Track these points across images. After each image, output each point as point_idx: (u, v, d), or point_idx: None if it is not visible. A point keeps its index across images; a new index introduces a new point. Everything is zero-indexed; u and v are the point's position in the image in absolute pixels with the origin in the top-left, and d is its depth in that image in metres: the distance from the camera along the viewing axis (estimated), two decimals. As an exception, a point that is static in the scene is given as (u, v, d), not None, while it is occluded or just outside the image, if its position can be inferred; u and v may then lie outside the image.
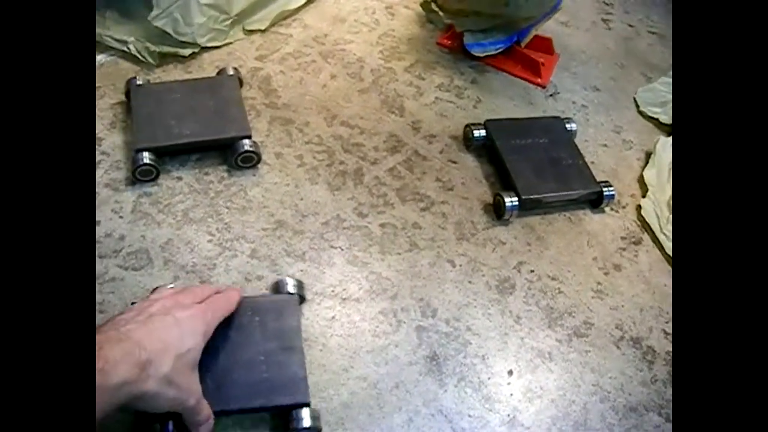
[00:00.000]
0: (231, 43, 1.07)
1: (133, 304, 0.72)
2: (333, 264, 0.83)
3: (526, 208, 0.90)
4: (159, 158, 0.85)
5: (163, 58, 1.01)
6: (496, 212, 0.91)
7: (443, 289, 0.83)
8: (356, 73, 1.07)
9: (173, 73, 1.00)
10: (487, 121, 0.98)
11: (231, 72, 0.96)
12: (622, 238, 0.94)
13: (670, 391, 0.79)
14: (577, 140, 1.01)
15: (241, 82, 0.97)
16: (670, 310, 0.87)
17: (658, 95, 1.16)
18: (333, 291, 0.80)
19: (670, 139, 1.06)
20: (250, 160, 0.88)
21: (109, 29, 1.02)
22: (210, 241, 0.82)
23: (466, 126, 0.98)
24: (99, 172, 0.86)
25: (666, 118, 1.10)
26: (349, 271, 0.82)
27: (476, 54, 1.10)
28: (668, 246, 0.93)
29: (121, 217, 0.82)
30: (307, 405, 0.68)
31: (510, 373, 0.78)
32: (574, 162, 0.95)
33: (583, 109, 1.11)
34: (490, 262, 0.87)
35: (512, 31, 1.09)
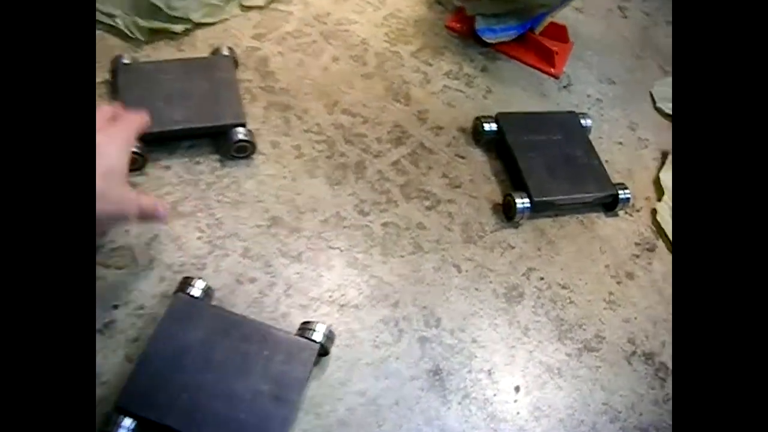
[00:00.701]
0: (227, 19, 0.99)
1: (115, 307, 0.67)
2: (331, 266, 0.77)
3: (538, 210, 0.85)
4: (146, 146, 0.78)
5: (153, 35, 0.93)
6: (506, 213, 0.86)
7: (448, 297, 0.78)
8: (360, 56, 1.00)
9: (163, 51, 0.92)
10: (499, 114, 0.92)
11: (226, 52, 0.89)
12: (636, 244, 0.89)
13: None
14: (591, 137, 0.95)
15: (236, 64, 0.90)
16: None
17: (675, 90, 1.10)
18: (331, 296, 0.75)
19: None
20: (245, 150, 0.82)
21: (96, 1, 0.94)
22: (200, 238, 0.76)
23: (476, 119, 0.92)
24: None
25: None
26: (349, 274, 0.77)
27: (487, 40, 1.04)
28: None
29: (103, 209, 0.76)
30: None
31: (517, 389, 0.73)
32: (589, 161, 0.90)
33: (598, 102, 1.05)
34: (498, 267, 0.82)
35: (527, 18, 1.03)
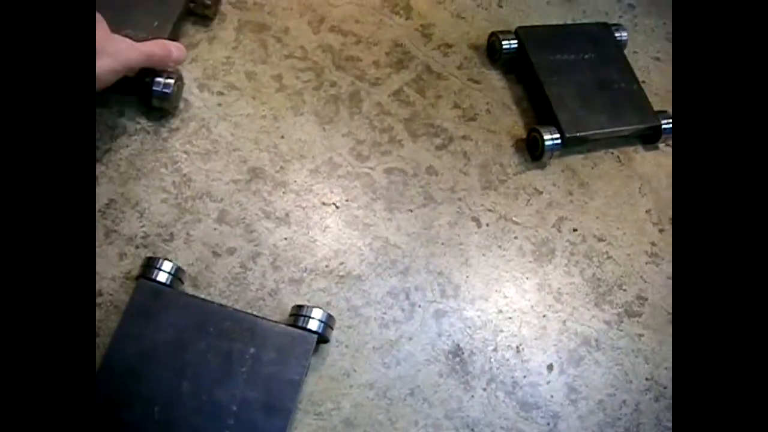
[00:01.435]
0: None
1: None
2: (326, 228, 0.64)
3: (569, 146, 0.71)
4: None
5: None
6: (531, 151, 0.73)
7: (467, 259, 0.65)
8: (349, -43, 0.83)
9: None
10: (519, 28, 0.77)
11: None
12: (680, 182, 0.77)
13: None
14: (625, 52, 0.80)
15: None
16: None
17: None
18: (327, 266, 0.62)
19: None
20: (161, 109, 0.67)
21: None
22: (165, 200, 0.62)
23: (492, 35, 0.77)
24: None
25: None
26: (348, 237, 0.64)
27: (500, -66, 0.87)
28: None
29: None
30: None
31: (550, 368, 0.63)
32: (627, 86, 0.76)
33: (630, 9, 0.89)
34: (524, 218, 0.69)
35: None
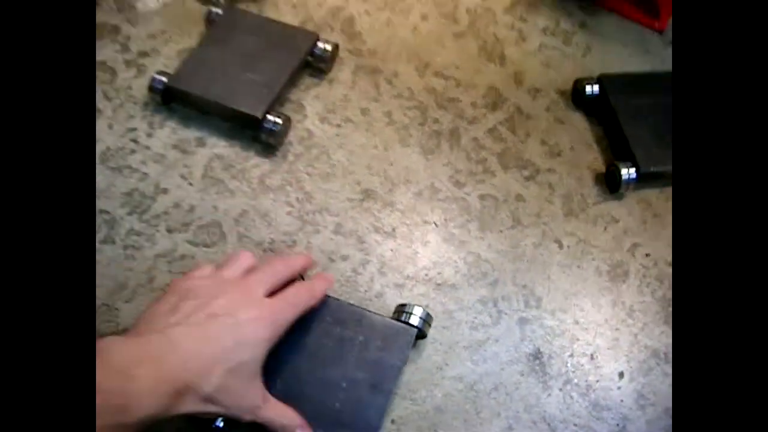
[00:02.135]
0: (310, -24, 0.95)
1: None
2: (427, 242, 0.74)
3: (644, 181, 0.79)
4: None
5: (236, -3, 0.90)
6: (609, 184, 0.81)
7: (549, 275, 0.74)
8: (450, 13, 0.94)
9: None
10: (602, 75, 0.85)
11: (328, 46, 0.83)
12: (750, 217, 0.83)
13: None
14: (701, 98, 0.88)
15: (334, 54, 0.85)
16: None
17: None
18: (427, 275, 0.72)
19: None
20: (269, 145, 0.78)
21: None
22: (289, 213, 0.73)
23: (577, 81, 0.86)
24: (165, 132, 0.78)
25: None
26: (445, 251, 0.73)
27: (587, -8, 0.96)
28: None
29: (190, 184, 0.74)
30: None
31: (621, 375, 0.69)
32: (700, 127, 0.83)
33: (707, 59, 0.97)
34: (602, 243, 0.77)
35: (630, -34, 0.95)
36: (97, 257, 0.68)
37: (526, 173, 0.80)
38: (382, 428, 0.61)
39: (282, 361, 0.60)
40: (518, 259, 0.74)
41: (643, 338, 0.72)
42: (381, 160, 0.78)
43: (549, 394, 0.67)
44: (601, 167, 0.82)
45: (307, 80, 0.84)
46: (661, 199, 0.81)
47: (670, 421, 0.67)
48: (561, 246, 0.76)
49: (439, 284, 0.71)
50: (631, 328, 0.72)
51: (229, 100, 0.75)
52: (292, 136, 0.78)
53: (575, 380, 0.68)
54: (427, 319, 0.65)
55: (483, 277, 0.72)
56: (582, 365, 0.69)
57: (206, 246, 0.70)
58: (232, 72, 0.77)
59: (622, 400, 0.68)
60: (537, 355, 0.69)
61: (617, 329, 0.72)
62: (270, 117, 0.75)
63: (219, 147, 0.77)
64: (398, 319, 0.65)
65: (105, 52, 0.84)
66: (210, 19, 0.83)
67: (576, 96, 0.87)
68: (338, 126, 0.80)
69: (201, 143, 0.77)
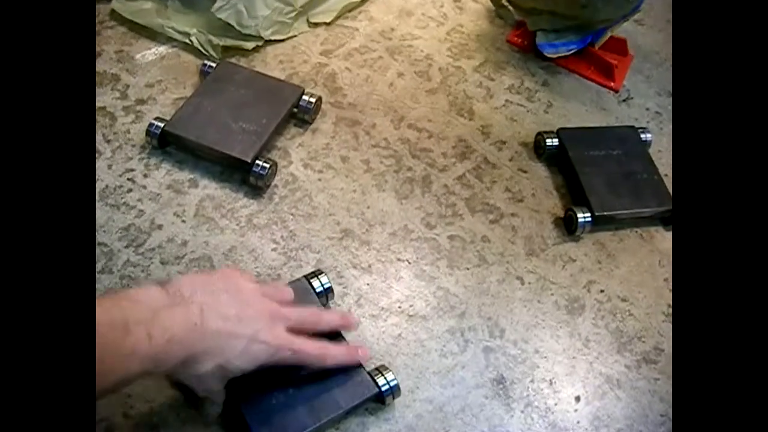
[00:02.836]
0: (295, 36, 1.04)
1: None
2: (400, 278, 0.81)
3: (599, 224, 0.87)
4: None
5: (226, 52, 0.99)
6: (567, 227, 0.89)
7: (512, 308, 0.81)
8: (424, 71, 1.04)
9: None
10: (560, 129, 0.94)
11: (312, 99, 0.92)
12: (695, 258, 0.91)
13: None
14: (650, 150, 0.97)
15: (318, 106, 0.94)
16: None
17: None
18: (400, 307, 0.78)
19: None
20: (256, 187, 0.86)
21: (171, 20, 1.00)
22: (275, 249, 0.80)
23: (538, 134, 0.95)
24: (161, 173, 0.85)
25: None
26: (417, 285, 0.80)
27: (548, 55, 1.06)
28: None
29: (183, 221, 0.81)
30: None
31: (577, 399, 0.76)
32: (649, 176, 0.92)
33: (657, 116, 1.06)
34: (560, 280, 0.84)
35: (587, 32, 1.05)
36: (96, 286, 0.75)
37: (491, 217, 0.88)
38: None
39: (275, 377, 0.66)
40: (484, 293, 0.81)
41: (598, 366, 0.78)
42: (359, 203, 0.86)
43: (512, 416, 0.73)
44: (560, 212, 0.90)
45: (293, 129, 0.92)
46: (614, 241, 0.89)
47: (622, 442, 0.74)
48: (523, 282, 0.83)
49: (411, 315, 0.78)
50: (587, 357, 0.79)
51: (221, 146, 0.83)
52: (278, 179, 0.86)
53: (535, 403, 0.74)
54: (393, 390, 0.69)
55: (451, 310, 0.79)
56: (542, 390, 0.75)
57: (198, 278, 0.76)
58: (223, 120, 0.85)
59: (578, 422, 0.74)
60: (500, 380, 0.75)
61: (574, 357, 0.78)
62: (259, 162, 0.82)
63: (210, 188, 0.84)
64: (372, 376, 0.69)
65: (105, 98, 0.92)
66: (204, 72, 0.92)
67: (537, 148, 0.96)
68: (320, 171, 0.88)
69: (194, 184, 0.85)
